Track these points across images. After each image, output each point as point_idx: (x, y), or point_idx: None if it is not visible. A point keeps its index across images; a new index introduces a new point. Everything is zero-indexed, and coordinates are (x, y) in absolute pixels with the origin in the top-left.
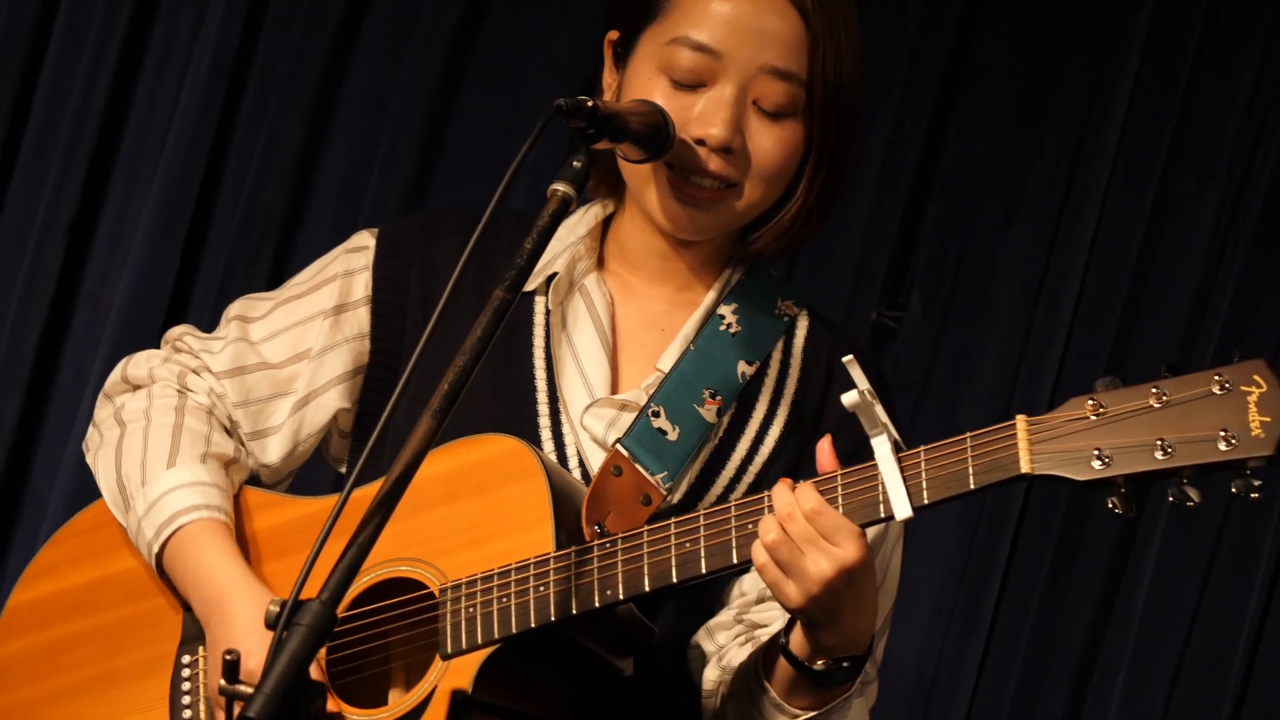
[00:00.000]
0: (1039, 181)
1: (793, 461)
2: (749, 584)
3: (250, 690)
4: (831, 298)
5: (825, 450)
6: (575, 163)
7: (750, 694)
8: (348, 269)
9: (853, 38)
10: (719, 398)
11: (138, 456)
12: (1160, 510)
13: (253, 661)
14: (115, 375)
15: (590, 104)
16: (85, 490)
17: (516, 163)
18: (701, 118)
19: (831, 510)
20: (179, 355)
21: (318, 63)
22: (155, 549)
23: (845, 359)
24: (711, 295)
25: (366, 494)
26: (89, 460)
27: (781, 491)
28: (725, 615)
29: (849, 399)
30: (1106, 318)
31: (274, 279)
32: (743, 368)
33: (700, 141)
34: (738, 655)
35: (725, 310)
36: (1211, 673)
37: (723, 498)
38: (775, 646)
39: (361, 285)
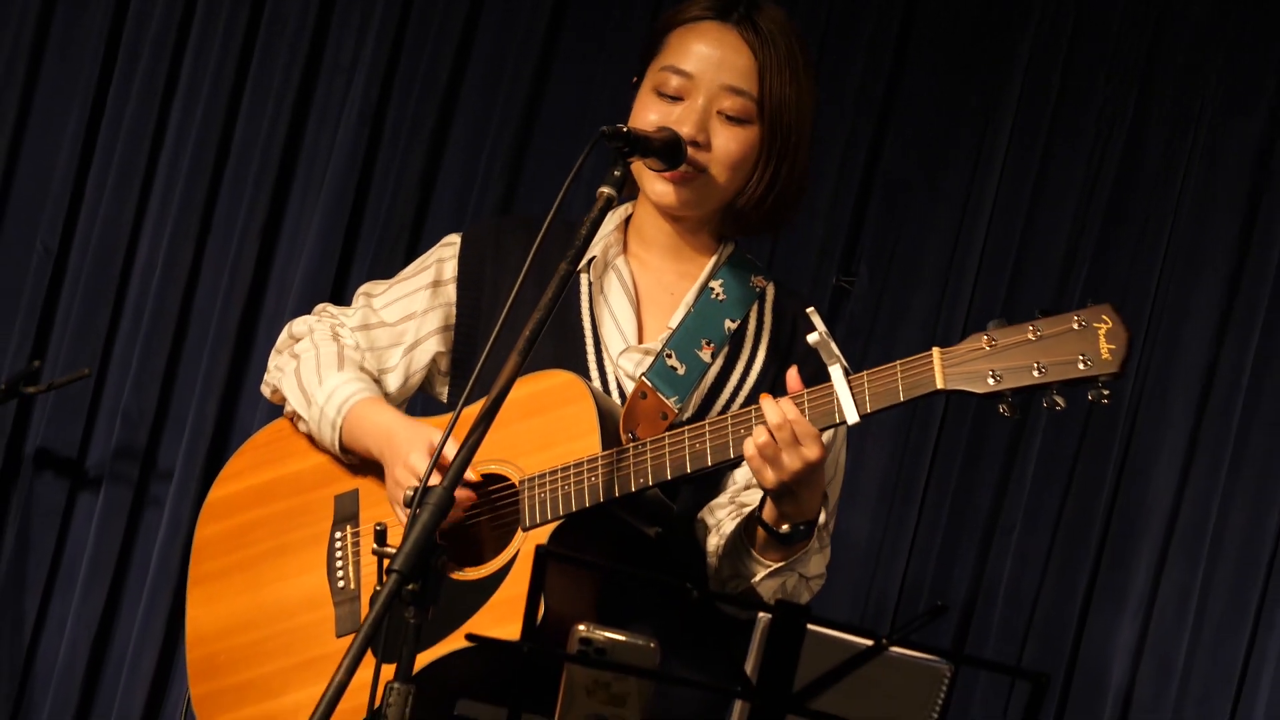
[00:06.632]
0: (952, 179)
1: (770, 386)
2: (740, 476)
3: (394, 551)
4: (803, 267)
5: (793, 376)
6: (616, 172)
7: (737, 553)
8: (440, 258)
9: (797, 73)
10: (712, 344)
11: (314, 371)
12: (1039, 419)
13: (407, 462)
14: (283, 335)
15: (625, 130)
16: None
17: (572, 174)
18: (678, 120)
19: (806, 422)
20: (325, 317)
21: (433, 112)
22: (339, 423)
23: (808, 310)
24: (705, 272)
25: (461, 414)
26: (272, 389)
27: (772, 406)
28: (722, 498)
29: (812, 338)
30: (999, 276)
31: (404, 266)
32: (729, 324)
33: None
34: (729, 526)
35: (715, 284)
36: (1081, 527)
37: (722, 413)
38: (753, 519)
39: (450, 268)
